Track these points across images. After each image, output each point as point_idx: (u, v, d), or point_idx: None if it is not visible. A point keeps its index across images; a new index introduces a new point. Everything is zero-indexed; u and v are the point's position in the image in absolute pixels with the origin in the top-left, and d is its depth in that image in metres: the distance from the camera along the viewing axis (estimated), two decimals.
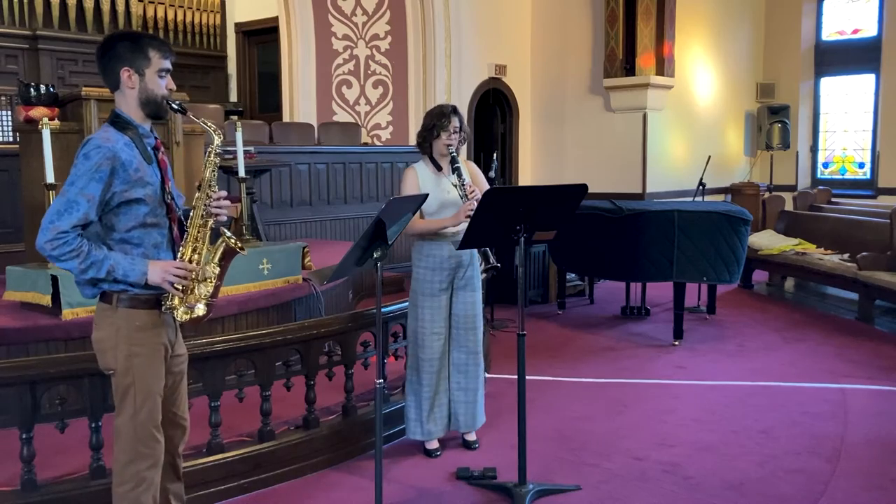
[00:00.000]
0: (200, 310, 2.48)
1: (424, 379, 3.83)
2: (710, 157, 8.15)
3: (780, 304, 7.63)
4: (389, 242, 3.00)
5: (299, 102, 9.57)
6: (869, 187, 10.90)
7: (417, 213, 3.70)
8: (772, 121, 11.02)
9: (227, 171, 5.74)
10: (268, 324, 4.89)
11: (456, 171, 3.73)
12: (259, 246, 5.43)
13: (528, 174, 10.91)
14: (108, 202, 2.36)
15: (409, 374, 3.90)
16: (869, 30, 10.92)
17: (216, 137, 2.52)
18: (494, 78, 10.28)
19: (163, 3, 10.85)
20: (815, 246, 7.75)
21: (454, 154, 3.77)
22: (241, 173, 5.40)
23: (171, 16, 10.96)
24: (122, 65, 2.42)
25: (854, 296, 7.00)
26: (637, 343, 6.13)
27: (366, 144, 9.42)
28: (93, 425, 3.12)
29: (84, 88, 4.87)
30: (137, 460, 2.45)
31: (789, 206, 8.93)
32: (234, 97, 12.06)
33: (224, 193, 2.53)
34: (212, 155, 2.52)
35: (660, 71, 9.63)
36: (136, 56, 2.42)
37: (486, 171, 6.33)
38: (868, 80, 10.93)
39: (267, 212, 7.50)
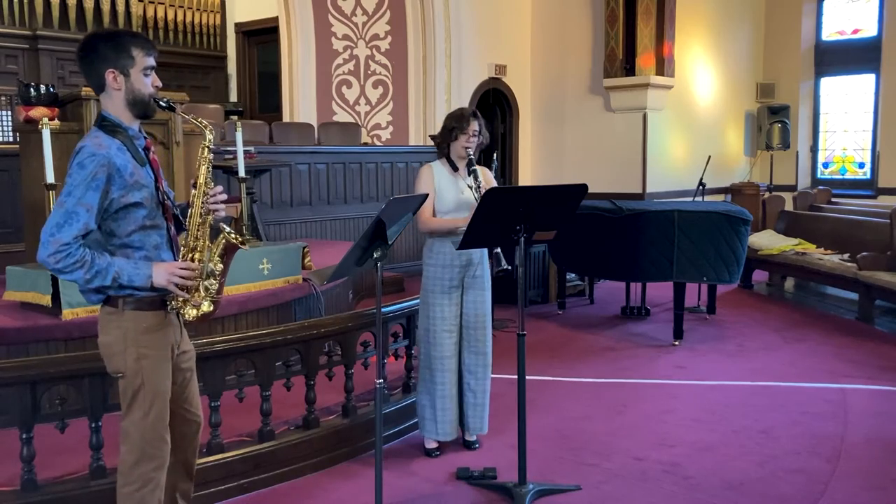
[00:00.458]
0: (207, 307, 2.48)
1: (438, 377, 3.83)
2: (710, 157, 8.15)
3: (780, 304, 7.63)
4: (389, 242, 3.00)
5: (299, 102, 9.57)
6: (869, 187, 10.90)
7: (431, 211, 3.77)
8: (772, 121, 11.02)
9: (227, 171, 5.74)
10: (268, 324, 4.89)
11: (472, 173, 3.76)
12: (259, 246, 5.43)
13: (528, 174, 10.92)
14: (106, 209, 2.35)
15: (422, 373, 3.91)
16: (869, 30, 10.92)
17: (208, 134, 2.49)
18: (494, 78, 10.28)
19: (163, 3, 10.85)
20: (815, 246, 7.75)
21: (471, 157, 3.80)
22: (241, 173, 5.41)
23: (171, 16, 10.96)
24: (106, 66, 2.37)
25: (854, 296, 7.00)
26: (637, 343, 6.13)
27: (366, 144, 9.43)
28: (93, 425, 3.12)
29: (84, 88, 4.87)
30: (144, 461, 2.45)
31: (789, 206, 8.93)
32: (234, 97, 12.07)
33: (220, 189, 2.51)
34: (205, 151, 2.49)
35: (660, 71, 9.63)
36: (120, 56, 2.37)
37: None
38: (868, 80, 10.93)
39: (267, 212, 7.50)
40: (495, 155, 6.90)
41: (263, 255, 5.06)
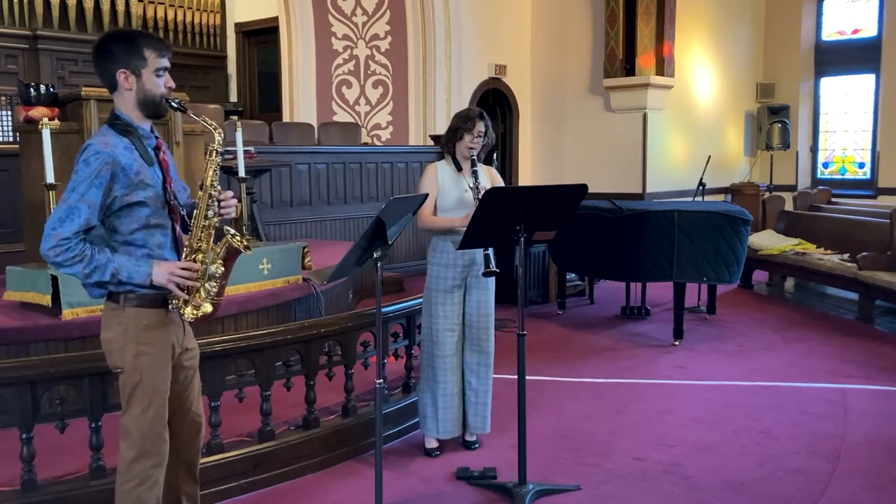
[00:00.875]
0: (207, 308, 2.48)
1: (440, 376, 3.84)
2: (710, 157, 8.15)
3: (780, 304, 7.63)
4: (389, 242, 3.00)
5: (299, 102, 9.57)
6: (869, 187, 10.90)
7: (430, 208, 3.79)
8: (772, 121, 11.03)
9: (227, 171, 5.74)
10: (268, 324, 4.89)
11: (473, 173, 3.78)
12: (259, 246, 5.43)
13: (528, 174, 10.92)
14: (109, 206, 2.37)
15: (424, 371, 3.92)
16: (869, 30, 10.93)
17: (217, 136, 2.50)
18: (494, 78, 10.28)
19: (163, 3, 10.85)
20: (815, 246, 7.75)
21: (474, 157, 3.81)
22: (241, 173, 5.41)
23: (171, 16, 10.96)
24: (118, 66, 2.39)
25: (854, 296, 7.00)
26: (637, 343, 6.13)
27: (366, 144, 9.43)
28: (93, 425, 3.12)
29: (84, 88, 4.87)
30: (143, 458, 2.46)
31: (789, 206, 8.93)
32: (234, 97, 12.07)
33: (231, 193, 2.53)
34: (213, 154, 2.49)
35: (660, 71, 9.64)
36: (132, 56, 2.39)
37: None
38: (868, 80, 10.94)
39: (267, 212, 7.50)
40: (495, 155, 6.91)
41: (263, 255, 5.06)
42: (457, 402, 3.88)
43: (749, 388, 4.95)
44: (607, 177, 9.82)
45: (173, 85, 2.50)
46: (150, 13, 10.67)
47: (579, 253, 6.77)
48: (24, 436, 3.00)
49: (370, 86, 9.71)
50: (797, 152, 11.38)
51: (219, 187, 2.49)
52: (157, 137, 2.52)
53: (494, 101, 10.47)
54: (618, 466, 3.75)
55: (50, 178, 4.42)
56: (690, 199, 8.23)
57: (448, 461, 3.82)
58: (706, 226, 5.89)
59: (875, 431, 4.18)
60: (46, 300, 4.16)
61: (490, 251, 3.68)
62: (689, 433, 4.18)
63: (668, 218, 5.91)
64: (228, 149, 5.37)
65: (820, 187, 9.63)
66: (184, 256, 2.49)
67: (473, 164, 3.81)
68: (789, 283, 8.52)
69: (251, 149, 6.28)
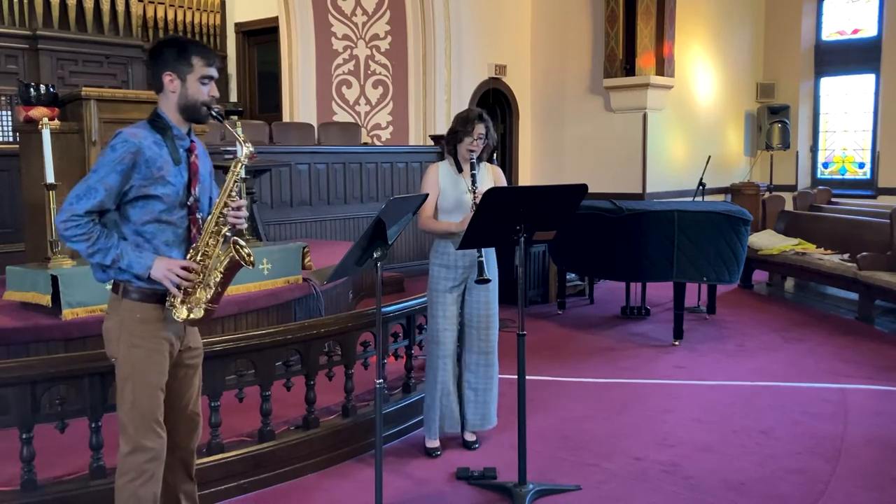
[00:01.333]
0: (197, 313, 2.49)
1: (440, 376, 3.85)
2: (710, 157, 8.15)
3: (780, 304, 7.64)
4: (389, 242, 3.00)
5: (299, 102, 9.57)
6: (869, 187, 10.90)
7: (430, 209, 3.80)
8: (772, 121, 11.03)
9: (227, 171, 5.74)
10: (268, 324, 4.89)
11: (472, 176, 3.77)
12: (259, 246, 5.43)
13: (528, 174, 10.92)
14: (126, 193, 2.43)
15: (427, 370, 3.94)
16: (869, 30, 10.93)
17: (244, 149, 2.59)
18: (494, 78, 10.28)
19: (163, 3, 10.85)
20: (815, 246, 7.75)
21: (473, 160, 3.81)
22: (241, 173, 5.40)
23: (171, 16, 10.96)
24: (166, 69, 2.50)
25: (854, 296, 7.00)
26: (637, 343, 6.13)
27: (366, 144, 9.43)
28: (93, 425, 3.12)
29: (84, 88, 4.87)
30: (137, 452, 2.48)
31: (789, 206, 8.93)
32: (234, 97, 12.06)
33: (244, 203, 2.58)
34: (238, 165, 2.57)
35: (660, 71, 9.64)
36: (180, 62, 2.50)
37: None
38: (868, 80, 10.94)
39: (267, 212, 7.50)
40: (495, 155, 6.90)
41: (263, 255, 5.05)
42: (453, 400, 3.89)
43: (749, 388, 4.95)
44: (607, 177, 9.82)
45: (217, 94, 2.59)
46: (150, 13, 10.66)
47: (579, 253, 6.77)
48: (24, 436, 3.00)
49: (370, 86, 9.71)
50: (797, 152, 11.38)
51: (235, 197, 2.55)
52: (192, 141, 2.59)
53: (494, 101, 10.47)
54: (618, 466, 3.75)
55: (50, 178, 4.42)
56: (690, 199, 8.23)
57: (448, 461, 3.82)
58: (706, 226, 5.89)
59: (875, 431, 4.18)
60: (46, 300, 4.16)
61: (485, 257, 3.69)
62: (689, 433, 4.18)
63: (668, 218, 5.91)
64: (228, 149, 5.38)
65: (820, 187, 9.63)
66: (188, 257, 2.51)
67: (473, 168, 3.80)
68: (789, 283, 8.52)
69: (234, 149, 6.28)
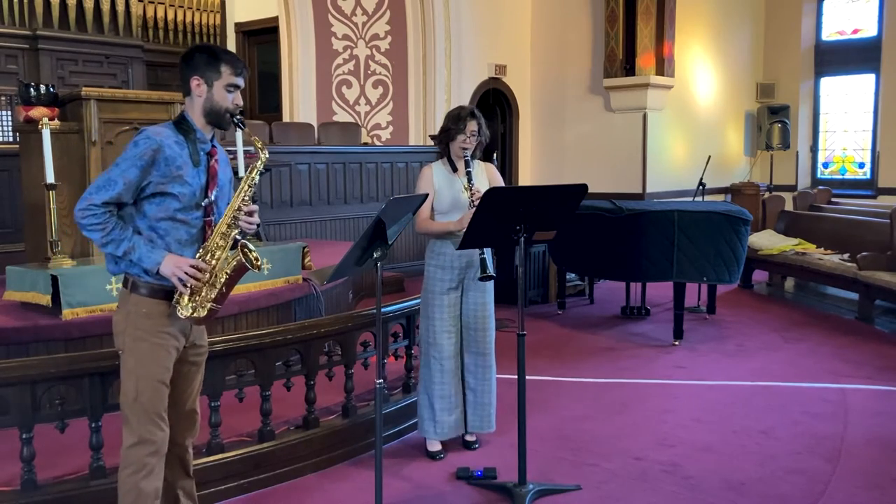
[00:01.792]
0: (201, 312, 2.53)
1: (437, 378, 3.83)
2: (710, 157, 8.15)
3: (780, 304, 7.64)
4: (389, 242, 3.00)
5: (299, 102, 9.57)
6: (869, 187, 10.91)
7: (427, 211, 3.76)
8: (772, 121, 11.03)
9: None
10: (268, 324, 4.89)
11: (467, 174, 3.74)
12: (259, 246, 5.43)
13: (528, 174, 10.92)
14: (144, 189, 2.50)
15: (422, 372, 3.91)
16: (869, 30, 10.93)
17: (262, 155, 2.66)
18: (494, 78, 10.28)
19: (163, 3, 10.84)
20: (815, 246, 7.75)
21: (467, 158, 3.79)
22: (241, 173, 5.41)
23: (171, 16, 10.95)
24: (195, 73, 2.57)
25: (854, 296, 7.00)
26: (637, 343, 6.13)
27: (366, 144, 9.43)
28: (93, 425, 3.12)
29: (84, 88, 4.87)
30: (140, 445, 2.52)
31: (789, 206, 8.93)
32: None
33: (256, 209, 2.63)
34: (254, 171, 2.63)
35: (660, 71, 9.64)
36: (209, 68, 2.57)
37: None
38: (868, 80, 10.94)
39: (267, 212, 7.50)
40: (495, 155, 6.91)
41: (263, 255, 5.04)
42: (455, 403, 3.87)
43: (749, 388, 4.95)
44: (607, 177, 9.82)
45: (241, 103, 2.65)
46: (150, 13, 10.66)
47: (579, 253, 6.77)
48: (24, 436, 3.00)
49: (370, 86, 9.71)
50: (797, 152, 11.38)
51: (249, 201, 2.61)
52: (213, 146, 2.65)
53: (494, 101, 10.47)
54: (618, 466, 3.75)
55: (50, 178, 4.42)
56: (690, 199, 8.23)
57: (448, 461, 3.82)
58: (706, 226, 5.89)
59: (875, 431, 4.18)
60: (46, 300, 4.16)
61: (486, 254, 3.68)
62: (689, 433, 4.18)
63: (668, 218, 5.91)
64: (229, 149, 5.37)
65: (820, 187, 9.63)
66: (197, 257, 2.56)
67: (468, 165, 3.77)
68: (789, 283, 8.52)
69: (251, 149, 6.28)
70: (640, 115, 9.78)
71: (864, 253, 6.68)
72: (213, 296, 2.54)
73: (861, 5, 11.00)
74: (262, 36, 11.83)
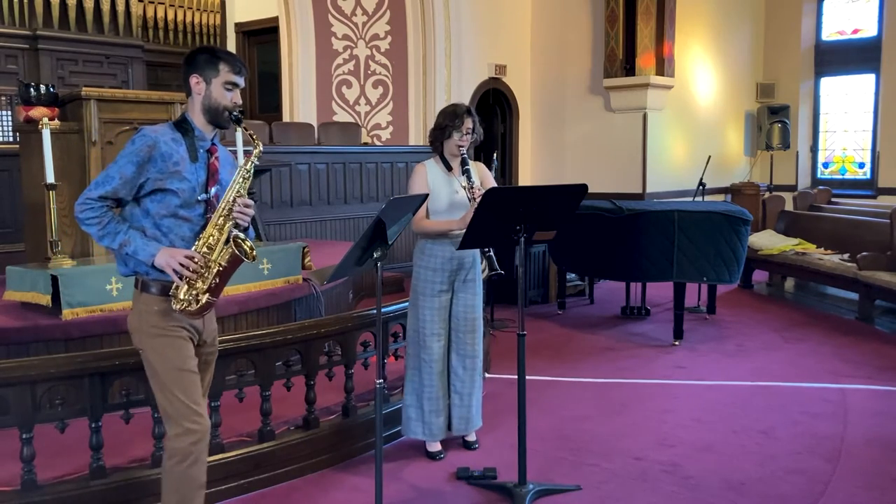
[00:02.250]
0: (195, 305, 2.56)
1: (426, 379, 3.82)
2: (710, 157, 8.15)
3: (780, 304, 7.64)
4: (389, 242, 3.00)
5: (299, 102, 9.56)
6: (869, 187, 10.90)
7: (424, 211, 3.71)
8: (772, 121, 11.02)
9: None
10: (268, 324, 4.89)
11: (466, 172, 3.72)
12: (259, 246, 5.43)
13: (528, 174, 10.91)
14: (143, 185, 2.55)
15: (409, 373, 3.89)
16: (869, 30, 10.92)
17: (256, 147, 2.72)
18: (494, 78, 10.28)
19: (163, 3, 10.84)
20: (815, 246, 7.75)
21: (465, 156, 3.76)
22: (251, 169, 5.40)
23: (171, 16, 10.95)
24: (194, 72, 2.63)
25: (854, 296, 7.00)
26: (637, 343, 6.13)
27: (366, 144, 9.42)
28: (93, 425, 3.12)
29: (84, 88, 4.87)
30: (183, 435, 2.57)
31: (789, 206, 8.93)
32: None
33: (251, 202, 2.66)
34: (248, 163, 2.67)
35: (660, 71, 9.63)
36: (208, 66, 2.62)
37: None
38: (868, 80, 10.93)
39: (267, 212, 7.50)
40: (495, 155, 6.90)
41: (263, 255, 5.05)
42: (443, 405, 3.86)
43: (749, 388, 4.95)
44: (607, 177, 9.82)
45: (240, 102, 2.68)
46: (150, 13, 10.66)
47: (579, 253, 6.77)
48: (24, 436, 3.00)
49: (370, 86, 9.70)
50: (797, 152, 11.38)
51: (244, 194, 2.64)
52: (213, 144, 2.69)
53: (494, 101, 10.46)
54: (618, 466, 3.75)
55: (50, 178, 4.42)
56: (690, 199, 8.23)
57: (448, 461, 3.82)
58: (706, 226, 5.89)
59: (875, 431, 4.18)
60: (46, 300, 4.16)
61: (491, 253, 3.66)
62: (689, 433, 4.18)
63: (668, 218, 5.91)
64: (230, 149, 5.37)
65: (820, 187, 9.63)
66: (194, 248, 2.59)
67: (465, 163, 3.74)
68: (789, 283, 8.52)
69: (251, 148, 6.28)
70: (640, 115, 9.78)
71: (864, 253, 6.69)
72: (206, 287, 2.56)
73: (861, 5, 11.00)
74: (262, 36, 11.82)
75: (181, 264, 2.51)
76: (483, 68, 10.11)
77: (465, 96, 9.79)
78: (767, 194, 9.82)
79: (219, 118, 2.64)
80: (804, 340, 6.13)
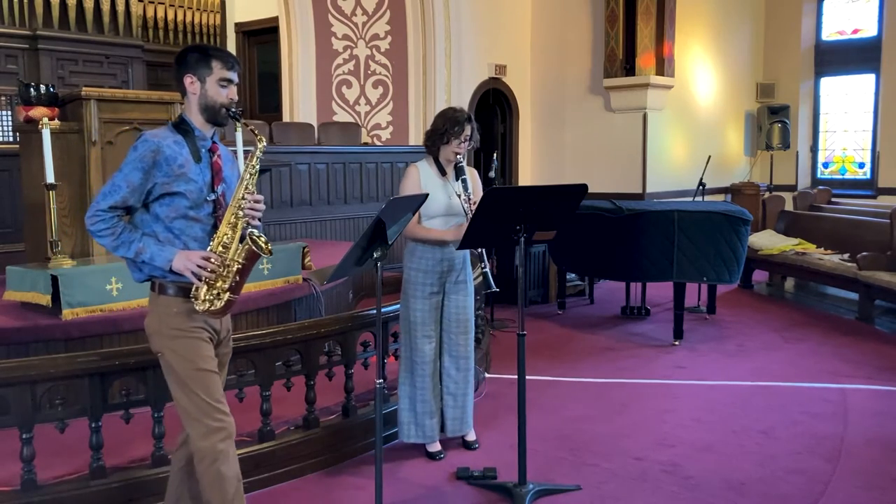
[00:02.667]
0: (218, 304, 2.57)
1: (418, 381, 3.82)
2: (710, 157, 8.15)
3: (780, 304, 7.63)
4: (389, 242, 3.00)
5: (299, 102, 9.56)
6: (869, 187, 10.90)
7: (417, 216, 3.66)
8: (772, 121, 11.02)
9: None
10: (268, 324, 4.89)
11: (462, 181, 3.70)
12: None
13: (528, 174, 10.91)
14: (151, 191, 2.54)
15: (402, 376, 3.89)
16: (869, 30, 10.92)
17: (260, 144, 2.70)
18: (494, 78, 10.27)
19: (163, 3, 10.84)
20: (815, 246, 7.75)
21: (462, 164, 3.74)
22: (257, 166, 5.40)
23: (171, 16, 10.95)
24: (187, 72, 2.61)
25: (854, 296, 7.00)
26: (637, 343, 6.13)
27: (366, 144, 9.42)
28: (93, 425, 3.12)
29: (84, 88, 4.87)
30: (210, 435, 2.57)
31: (789, 206, 8.92)
32: None
33: (261, 198, 2.66)
34: (253, 159, 2.66)
35: (660, 71, 9.63)
36: (200, 65, 2.60)
37: (486, 171, 6.34)
38: (868, 80, 10.93)
39: (267, 212, 7.40)
40: (495, 155, 6.90)
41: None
42: (436, 406, 3.86)
43: (749, 388, 4.95)
44: (607, 177, 9.82)
45: (236, 98, 2.68)
46: (150, 13, 10.65)
47: (579, 253, 6.77)
48: (24, 436, 3.00)
49: (370, 86, 9.70)
50: (797, 152, 11.38)
51: (253, 190, 2.64)
52: (214, 142, 2.69)
53: (494, 101, 10.46)
54: (618, 466, 3.75)
55: (50, 178, 4.42)
56: (690, 199, 8.23)
57: (448, 461, 3.82)
58: (706, 226, 5.89)
59: (875, 431, 4.18)
60: (46, 300, 4.16)
61: (487, 269, 3.65)
62: (689, 433, 4.18)
63: (668, 218, 5.91)
64: (230, 149, 5.37)
65: (820, 187, 9.63)
66: (209, 249, 2.59)
67: (461, 172, 3.70)
68: (789, 283, 8.52)
69: (251, 149, 6.28)
70: (640, 115, 9.77)
71: (864, 253, 6.68)
72: (227, 286, 2.57)
73: (861, 5, 11.00)
74: (262, 36, 11.82)
75: (199, 266, 2.51)
76: (483, 68, 10.10)
77: (465, 96, 9.79)
78: (767, 194, 9.82)
79: (217, 116, 2.64)
80: (804, 340, 6.13)
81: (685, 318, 6.22)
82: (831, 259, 7.20)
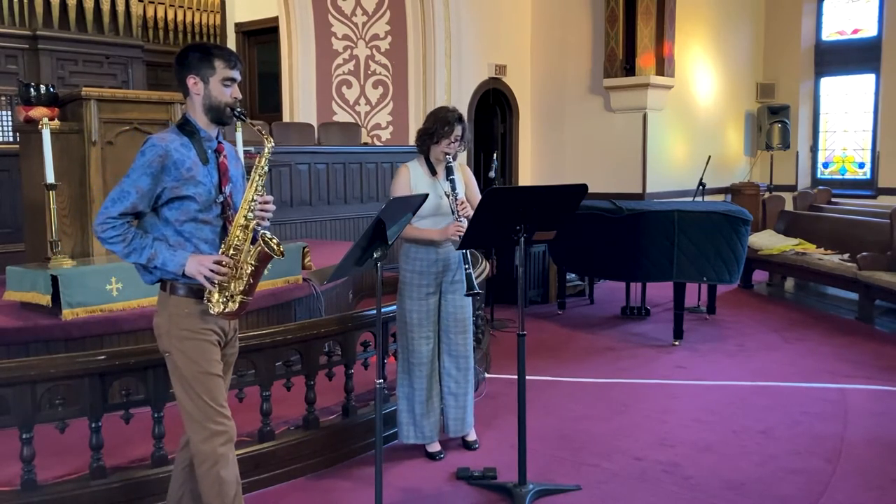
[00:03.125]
0: (232, 306, 2.57)
1: (416, 382, 3.82)
2: (710, 157, 8.15)
3: (780, 304, 7.63)
4: (389, 242, 3.00)
5: (299, 102, 9.56)
6: (869, 187, 10.90)
7: None
8: (772, 121, 11.02)
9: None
10: (268, 324, 4.89)
11: (450, 181, 3.70)
12: None
13: (528, 174, 10.91)
14: (160, 196, 2.53)
15: (400, 377, 3.89)
16: (869, 30, 10.92)
17: (267, 144, 2.69)
18: (494, 78, 10.28)
19: (163, 3, 10.84)
20: (815, 246, 7.75)
21: (451, 164, 3.73)
22: (266, 167, 5.40)
23: (171, 16, 10.95)
24: (189, 72, 2.59)
25: (854, 296, 7.00)
26: (637, 343, 6.13)
27: (366, 144, 9.42)
28: (93, 425, 3.12)
29: (84, 88, 4.87)
30: (211, 438, 2.57)
31: (789, 206, 8.92)
32: None
33: (270, 198, 2.65)
34: (262, 160, 2.64)
35: (660, 71, 9.63)
36: (203, 65, 2.58)
37: (486, 171, 6.33)
38: (868, 80, 10.93)
39: None
40: (495, 155, 6.90)
41: None
42: (434, 406, 3.86)
43: (749, 388, 4.95)
44: (607, 177, 9.81)
45: (240, 96, 2.67)
46: (150, 13, 10.65)
47: (579, 253, 6.77)
48: (24, 436, 3.00)
49: (370, 86, 9.70)
50: (797, 152, 11.38)
51: (262, 191, 2.62)
52: (219, 142, 2.67)
53: (494, 101, 10.46)
54: (618, 466, 3.75)
55: (50, 178, 4.42)
56: (690, 199, 8.23)
57: (448, 461, 3.82)
58: (706, 226, 5.90)
59: (875, 431, 4.18)
60: (46, 300, 4.16)
61: (470, 270, 3.65)
62: (689, 433, 4.18)
63: (668, 218, 5.91)
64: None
65: (820, 187, 9.63)
66: (220, 252, 2.59)
67: (450, 172, 3.70)
68: (789, 283, 8.52)
69: (251, 149, 6.27)
70: (640, 115, 9.77)
71: (864, 253, 6.69)
72: (241, 288, 2.57)
73: (861, 5, 11.00)
74: (262, 36, 11.83)
75: (211, 270, 2.50)
76: (483, 68, 10.10)
77: (464, 96, 9.79)
78: (767, 194, 9.82)
79: (222, 116, 2.62)
80: (804, 340, 6.13)
81: (685, 319, 6.22)
82: (831, 259, 7.20)
